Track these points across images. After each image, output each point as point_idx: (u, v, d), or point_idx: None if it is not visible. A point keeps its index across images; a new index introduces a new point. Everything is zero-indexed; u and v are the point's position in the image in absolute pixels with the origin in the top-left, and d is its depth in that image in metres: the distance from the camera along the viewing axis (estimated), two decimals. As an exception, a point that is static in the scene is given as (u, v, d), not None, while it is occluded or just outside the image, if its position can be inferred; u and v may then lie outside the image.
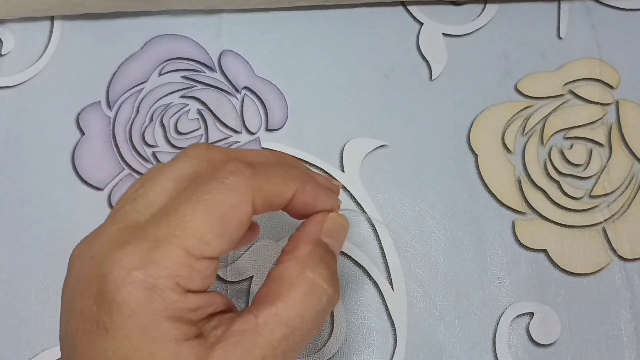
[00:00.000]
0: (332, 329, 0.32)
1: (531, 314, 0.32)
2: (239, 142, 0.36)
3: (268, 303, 0.22)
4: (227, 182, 0.22)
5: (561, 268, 0.33)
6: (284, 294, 0.22)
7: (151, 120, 0.36)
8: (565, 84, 0.37)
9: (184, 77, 0.37)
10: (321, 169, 0.35)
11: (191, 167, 0.23)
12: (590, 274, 0.33)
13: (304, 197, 0.25)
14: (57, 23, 0.38)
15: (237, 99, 0.37)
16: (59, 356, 0.32)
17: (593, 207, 0.34)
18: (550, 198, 0.34)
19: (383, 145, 0.36)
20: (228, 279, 0.33)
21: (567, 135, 0.36)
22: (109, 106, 0.37)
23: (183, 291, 0.21)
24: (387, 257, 0.33)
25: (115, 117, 0.36)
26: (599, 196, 0.34)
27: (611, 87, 0.37)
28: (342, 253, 0.33)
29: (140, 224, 0.22)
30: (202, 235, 0.21)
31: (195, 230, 0.21)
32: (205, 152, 0.24)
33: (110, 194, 0.35)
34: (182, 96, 0.37)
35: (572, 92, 0.37)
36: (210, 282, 0.22)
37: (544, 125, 0.36)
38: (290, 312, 0.22)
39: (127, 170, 0.35)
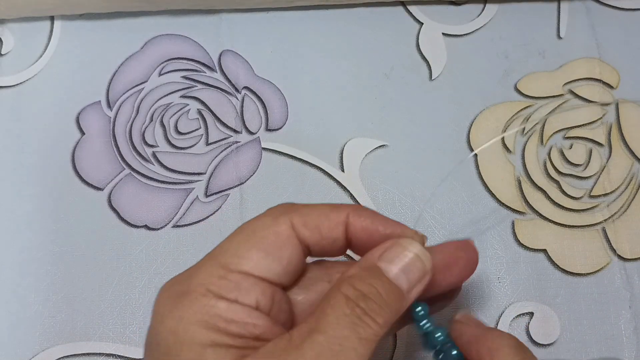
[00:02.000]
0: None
1: (531, 314, 0.32)
2: (239, 142, 0.36)
3: (305, 321, 0.22)
4: (268, 213, 0.23)
5: (561, 268, 0.33)
6: (319, 309, 0.21)
7: (151, 120, 0.36)
8: (565, 83, 0.37)
9: (184, 77, 0.37)
10: (321, 169, 0.35)
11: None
12: (590, 273, 0.33)
13: (360, 220, 0.23)
14: (57, 23, 0.38)
15: (237, 98, 0.37)
16: (60, 356, 0.32)
17: (593, 207, 0.34)
18: (550, 198, 0.34)
19: (383, 145, 0.36)
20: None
21: (566, 135, 0.36)
22: (109, 106, 0.37)
23: (214, 297, 0.21)
24: (387, 257, 0.33)
25: (115, 117, 0.36)
26: (599, 196, 0.35)
27: (611, 87, 0.37)
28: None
29: None
30: (235, 251, 0.22)
31: (229, 248, 0.22)
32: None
33: (110, 194, 0.35)
34: (182, 96, 0.37)
35: (572, 92, 0.37)
36: (252, 299, 0.22)
37: (543, 125, 0.36)
38: (321, 321, 0.21)
39: (127, 170, 0.35)
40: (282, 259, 0.23)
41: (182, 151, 0.36)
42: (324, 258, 0.25)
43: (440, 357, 0.24)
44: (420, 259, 0.23)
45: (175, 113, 0.36)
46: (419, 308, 0.24)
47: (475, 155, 0.35)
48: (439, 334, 0.24)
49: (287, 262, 0.23)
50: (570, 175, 0.35)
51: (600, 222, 0.34)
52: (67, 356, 0.32)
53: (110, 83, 0.37)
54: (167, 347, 0.21)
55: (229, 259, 0.22)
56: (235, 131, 0.36)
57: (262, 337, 0.22)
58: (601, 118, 0.36)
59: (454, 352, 0.24)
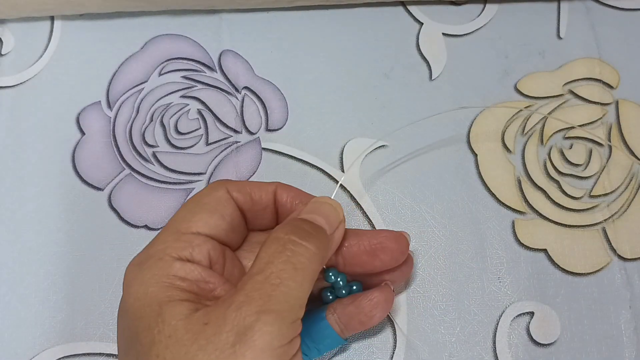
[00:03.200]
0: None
1: (531, 314, 0.32)
2: (239, 142, 0.36)
3: (246, 273, 0.24)
4: (206, 186, 0.28)
5: (561, 268, 0.33)
6: (256, 258, 0.24)
7: (151, 120, 0.36)
8: (565, 83, 0.37)
9: (184, 77, 0.37)
10: (321, 169, 0.35)
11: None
12: (590, 273, 0.33)
13: (286, 192, 0.28)
14: (57, 23, 0.38)
15: (237, 98, 0.37)
16: (60, 356, 0.32)
17: (593, 207, 0.34)
18: (550, 198, 0.34)
19: (383, 145, 0.36)
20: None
21: (566, 135, 0.36)
22: (109, 106, 0.37)
23: (171, 258, 0.24)
24: (387, 256, 0.33)
25: (116, 117, 0.36)
26: (599, 196, 0.35)
27: (611, 86, 0.37)
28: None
29: None
30: (184, 216, 0.26)
31: (178, 217, 0.26)
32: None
33: (110, 194, 0.35)
34: (182, 96, 0.37)
35: (572, 92, 0.37)
36: (204, 255, 0.25)
37: (543, 125, 0.36)
38: (257, 262, 0.23)
39: (127, 170, 0.35)
40: (224, 216, 0.26)
41: (182, 151, 0.36)
42: None
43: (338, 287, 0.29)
44: (333, 207, 0.27)
45: (176, 113, 0.36)
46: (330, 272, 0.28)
47: (476, 155, 0.35)
48: (340, 278, 0.28)
49: (230, 219, 0.26)
50: (571, 175, 0.35)
51: (600, 222, 0.34)
52: (68, 356, 0.32)
53: (110, 83, 0.37)
54: (134, 311, 0.23)
55: (181, 224, 0.25)
56: (235, 131, 0.36)
57: (216, 294, 0.24)
58: (601, 118, 0.36)
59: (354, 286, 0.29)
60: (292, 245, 0.23)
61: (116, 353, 0.32)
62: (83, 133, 0.36)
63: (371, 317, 0.28)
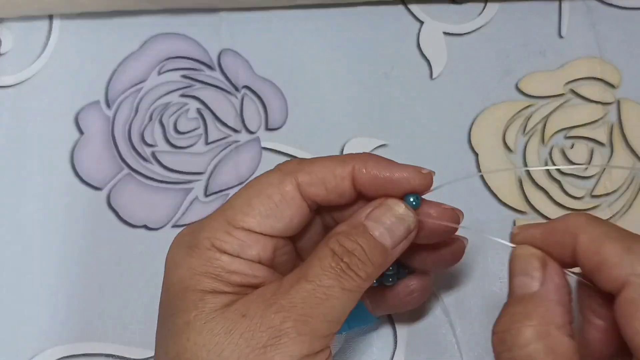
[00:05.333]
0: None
1: (532, 314, 0.32)
2: (239, 141, 0.36)
3: (295, 272, 0.23)
4: (274, 169, 0.25)
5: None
6: (308, 261, 0.23)
7: (150, 119, 0.36)
8: (566, 83, 0.37)
9: (184, 76, 0.37)
10: (321, 169, 0.35)
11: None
12: (591, 273, 0.33)
13: (366, 173, 0.24)
14: (55, 22, 0.38)
15: (236, 98, 0.37)
16: (59, 356, 0.32)
17: (594, 207, 0.34)
18: (552, 198, 0.34)
19: (383, 145, 0.36)
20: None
21: (568, 135, 0.36)
22: (108, 105, 0.37)
23: (218, 251, 0.23)
24: (387, 257, 0.33)
25: (115, 116, 0.36)
26: (600, 196, 0.34)
27: (612, 86, 0.37)
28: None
29: None
30: (241, 207, 0.24)
31: (236, 204, 0.24)
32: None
33: (109, 194, 0.35)
34: (182, 95, 0.37)
35: (573, 91, 0.36)
36: (254, 253, 0.24)
37: (544, 125, 0.36)
38: (308, 270, 0.23)
39: (126, 170, 0.35)
40: (284, 217, 0.24)
41: (182, 151, 0.35)
42: None
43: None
44: (404, 219, 0.24)
45: (175, 112, 0.36)
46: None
47: (476, 154, 0.35)
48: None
49: (290, 220, 0.24)
50: (572, 174, 0.35)
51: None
52: (67, 356, 0.32)
53: (109, 82, 0.37)
54: (175, 292, 0.23)
55: (235, 215, 0.24)
56: (234, 130, 0.36)
57: (261, 286, 0.23)
58: (602, 117, 0.36)
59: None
60: (344, 267, 0.23)
61: (116, 353, 0.32)
62: (82, 132, 0.36)
63: (405, 304, 0.28)
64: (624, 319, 0.20)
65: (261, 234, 0.24)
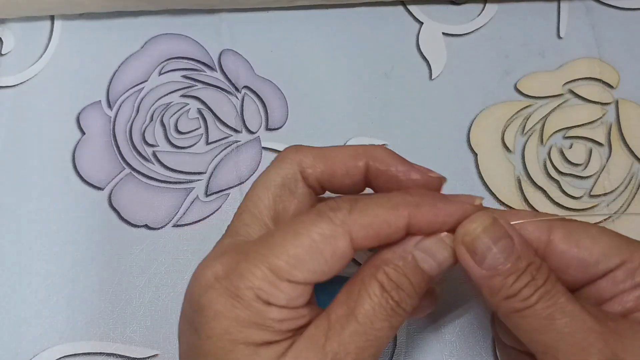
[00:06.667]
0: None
1: (531, 313, 0.32)
2: (239, 141, 0.36)
3: (342, 303, 0.23)
4: (324, 216, 0.22)
5: (561, 267, 0.33)
6: (355, 292, 0.23)
7: (151, 119, 0.36)
8: (565, 83, 0.37)
9: (184, 77, 0.37)
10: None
11: (282, 172, 0.25)
12: (590, 273, 0.33)
13: (422, 220, 0.23)
14: (57, 22, 0.38)
15: (237, 98, 0.37)
16: (60, 356, 0.32)
17: (593, 207, 0.34)
18: (550, 197, 0.35)
19: (383, 145, 0.36)
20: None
21: (566, 135, 0.36)
22: (109, 106, 0.37)
23: (265, 304, 0.22)
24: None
25: (116, 116, 0.36)
26: (599, 195, 0.35)
27: (611, 86, 0.37)
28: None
29: (249, 237, 0.24)
30: (288, 259, 0.22)
31: (283, 254, 0.22)
32: (294, 155, 0.26)
33: (110, 194, 0.35)
34: (182, 95, 0.37)
35: (571, 92, 0.37)
36: (301, 302, 0.23)
37: (543, 125, 0.36)
38: (359, 309, 0.22)
39: (127, 170, 0.35)
40: (332, 271, 0.23)
41: (182, 150, 0.36)
42: None
43: None
44: (453, 255, 0.24)
45: (176, 112, 0.36)
46: None
47: (476, 154, 0.35)
48: None
49: (337, 271, 0.23)
50: (570, 174, 0.35)
51: (600, 222, 0.34)
52: (68, 356, 0.32)
53: (110, 82, 0.37)
54: (222, 344, 0.22)
55: (281, 266, 0.22)
56: (235, 130, 0.36)
57: (308, 325, 0.23)
58: (601, 118, 0.36)
59: None
60: (394, 305, 0.22)
61: (117, 352, 0.32)
62: (83, 132, 0.36)
63: (412, 316, 0.28)
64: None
65: (308, 283, 0.23)
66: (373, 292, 0.22)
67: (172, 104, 0.37)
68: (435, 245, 0.23)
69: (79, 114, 0.36)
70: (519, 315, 0.23)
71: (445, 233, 0.24)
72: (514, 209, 0.34)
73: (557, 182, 0.35)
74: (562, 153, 0.35)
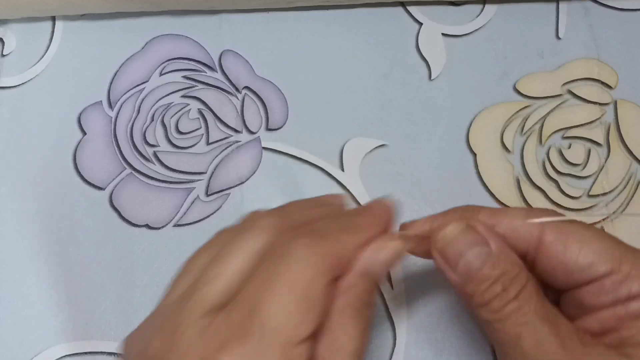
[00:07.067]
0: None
1: (530, 313, 0.32)
2: (240, 141, 0.36)
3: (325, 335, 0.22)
4: (301, 259, 0.22)
5: (560, 267, 0.33)
6: (337, 322, 0.22)
7: (152, 120, 0.36)
8: (564, 83, 0.37)
9: (185, 77, 0.37)
10: (321, 168, 0.35)
11: (262, 241, 0.23)
12: (589, 272, 0.33)
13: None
14: (58, 23, 0.39)
15: (237, 98, 0.37)
16: (61, 355, 0.32)
17: (591, 207, 0.34)
18: (549, 197, 0.35)
19: (382, 145, 0.36)
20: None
21: (565, 135, 0.36)
22: (110, 106, 0.37)
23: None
24: (386, 256, 0.33)
25: (117, 117, 0.37)
26: (598, 195, 0.35)
27: (609, 87, 0.37)
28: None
29: (226, 311, 0.22)
30: (293, 323, 0.21)
31: (284, 320, 0.21)
32: (275, 223, 0.24)
33: (111, 194, 0.35)
34: (183, 96, 0.37)
35: (570, 92, 0.37)
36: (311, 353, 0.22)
37: (542, 125, 0.36)
38: (342, 338, 0.22)
39: (128, 170, 0.35)
40: (327, 304, 0.22)
41: (183, 151, 0.36)
42: None
43: None
44: (395, 253, 0.24)
45: (176, 113, 0.37)
46: None
47: (475, 154, 0.36)
48: None
49: (330, 303, 0.23)
50: (569, 174, 0.35)
51: (599, 222, 0.34)
52: (69, 355, 0.32)
53: (111, 83, 0.37)
54: None
55: (290, 333, 0.21)
56: (235, 131, 0.36)
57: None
58: (599, 118, 0.36)
59: None
60: (365, 309, 0.23)
61: (118, 352, 0.32)
62: (84, 133, 0.36)
63: None
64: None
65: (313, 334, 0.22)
66: (349, 312, 0.22)
67: (172, 104, 0.37)
68: (374, 254, 0.23)
69: (80, 114, 0.37)
70: (490, 326, 0.23)
71: (381, 239, 0.24)
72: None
73: (555, 182, 0.35)
74: (560, 153, 0.36)
